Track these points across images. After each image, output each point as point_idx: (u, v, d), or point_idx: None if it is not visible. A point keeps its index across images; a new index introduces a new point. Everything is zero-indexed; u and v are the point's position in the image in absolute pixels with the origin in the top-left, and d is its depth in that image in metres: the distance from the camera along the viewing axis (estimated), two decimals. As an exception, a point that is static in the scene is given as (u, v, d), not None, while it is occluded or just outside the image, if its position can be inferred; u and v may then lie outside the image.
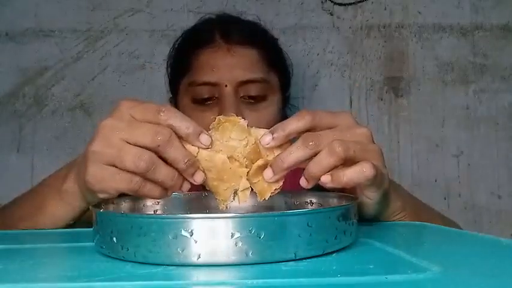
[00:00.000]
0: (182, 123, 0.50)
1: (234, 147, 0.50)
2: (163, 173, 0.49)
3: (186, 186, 0.51)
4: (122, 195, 0.57)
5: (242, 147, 0.50)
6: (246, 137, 0.51)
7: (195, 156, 0.50)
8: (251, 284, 0.37)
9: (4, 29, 1.22)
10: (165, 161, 0.50)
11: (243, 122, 0.52)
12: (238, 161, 0.50)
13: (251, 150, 0.51)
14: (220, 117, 0.52)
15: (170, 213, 0.60)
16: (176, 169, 0.50)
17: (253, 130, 0.52)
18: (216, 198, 0.51)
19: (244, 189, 0.50)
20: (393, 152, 1.21)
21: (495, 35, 1.23)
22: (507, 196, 1.21)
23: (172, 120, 0.50)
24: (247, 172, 0.50)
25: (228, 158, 0.50)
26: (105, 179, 0.51)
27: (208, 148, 0.50)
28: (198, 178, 0.50)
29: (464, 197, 1.21)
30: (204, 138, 0.50)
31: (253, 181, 0.51)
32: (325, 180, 0.50)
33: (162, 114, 0.50)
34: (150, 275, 0.39)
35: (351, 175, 0.50)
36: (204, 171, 0.50)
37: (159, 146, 0.49)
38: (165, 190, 0.51)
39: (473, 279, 0.37)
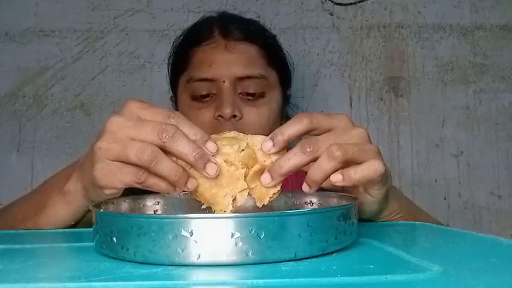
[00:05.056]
0: (190, 130, 0.50)
1: (227, 153, 0.51)
2: (167, 167, 0.49)
3: (192, 183, 0.50)
4: (122, 195, 0.57)
5: (235, 152, 0.51)
6: (237, 142, 0.52)
7: (190, 168, 0.50)
8: (251, 284, 0.37)
9: (4, 29, 1.22)
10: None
11: (233, 133, 0.54)
12: (234, 164, 0.50)
13: (246, 155, 0.51)
14: (212, 136, 0.53)
15: (170, 213, 0.60)
16: (189, 164, 0.50)
17: (250, 137, 0.53)
18: (214, 211, 0.51)
19: (242, 191, 0.50)
20: (393, 152, 1.21)
21: (495, 35, 1.23)
22: (507, 196, 1.21)
23: (180, 126, 0.50)
24: (245, 175, 0.50)
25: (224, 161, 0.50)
26: (112, 173, 0.52)
27: (214, 155, 0.50)
28: (210, 170, 0.49)
29: (464, 197, 1.21)
30: (211, 145, 0.50)
31: (251, 186, 0.51)
32: (336, 179, 0.50)
33: (172, 120, 0.51)
34: (150, 275, 0.39)
35: (363, 172, 0.51)
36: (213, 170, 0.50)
37: (164, 142, 0.49)
38: (172, 186, 0.51)
39: (473, 279, 0.37)
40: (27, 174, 1.20)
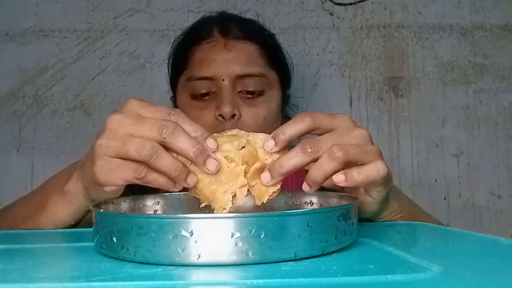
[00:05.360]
0: (190, 127, 0.50)
1: (227, 150, 0.51)
2: (167, 162, 0.49)
3: (192, 179, 0.50)
4: (123, 195, 0.57)
5: (235, 149, 0.51)
6: (236, 139, 0.52)
7: (190, 164, 0.50)
8: (251, 284, 0.37)
9: (4, 29, 1.22)
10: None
11: (235, 131, 0.54)
12: (234, 161, 0.50)
13: (246, 152, 0.51)
14: (214, 134, 0.53)
15: (170, 213, 0.60)
16: (189, 160, 0.50)
17: (252, 135, 0.53)
18: (213, 209, 0.51)
19: (241, 187, 0.50)
20: (393, 152, 1.21)
21: (495, 35, 1.23)
22: (507, 196, 1.21)
23: (181, 123, 0.50)
24: (245, 173, 0.50)
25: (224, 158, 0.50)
26: (112, 170, 0.52)
27: (214, 152, 0.50)
28: (211, 166, 0.49)
29: (464, 197, 1.21)
30: (211, 142, 0.50)
31: (251, 184, 0.51)
32: (339, 179, 0.50)
33: (172, 117, 0.51)
34: (150, 275, 0.39)
35: (366, 173, 0.51)
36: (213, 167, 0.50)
37: (164, 137, 0.49)
38: (172, 181, 0.51)
39: (473, 279, 0.37)
40: (27, 174, 1.20)
